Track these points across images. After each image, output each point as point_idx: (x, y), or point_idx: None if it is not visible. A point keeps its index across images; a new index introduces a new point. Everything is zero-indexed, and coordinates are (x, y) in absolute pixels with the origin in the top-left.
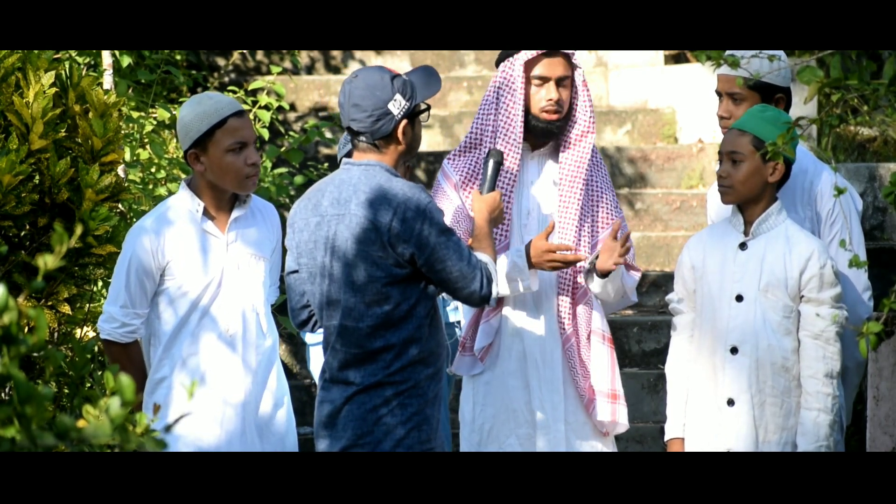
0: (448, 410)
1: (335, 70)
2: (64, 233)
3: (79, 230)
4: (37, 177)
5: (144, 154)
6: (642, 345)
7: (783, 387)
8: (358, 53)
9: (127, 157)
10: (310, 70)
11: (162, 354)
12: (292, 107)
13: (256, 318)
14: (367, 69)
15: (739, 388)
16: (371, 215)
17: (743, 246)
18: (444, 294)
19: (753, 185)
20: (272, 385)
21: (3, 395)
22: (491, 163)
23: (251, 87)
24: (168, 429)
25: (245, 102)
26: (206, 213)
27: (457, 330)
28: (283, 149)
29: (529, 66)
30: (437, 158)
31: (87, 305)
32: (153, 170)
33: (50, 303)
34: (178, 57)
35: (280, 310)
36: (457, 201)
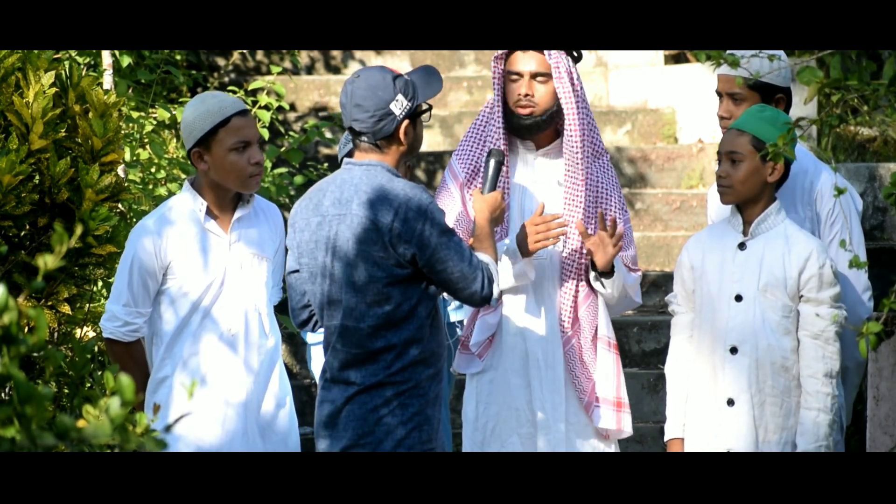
0: (448, 410)
1: (335, 70)
2: (64, 233)
3: (79, 230)
4: (37, 177)
5: (144, 154)
6: (642, 345)
7: (783, 386)
8: (358, 53)
9: (127, 157)
10: (310, 70)
11: (164, 354)
12: (292, 107)
13: (259, 318)
14: (368, 69)
15: (739, 388)
16: (372, 215)
17: (742, 246)
18: (444, 294)
19: (753, 185)
20: (274, 385)
21: (3, 395)
22: (492, 162)
23: (251, 87)
24: (168, 429)
25: (245, 102)
26: (209, 212)
27: (458, 330)
28: (283, 149)
29: (508, 62)
30: (436, 158)
31: (87, 305)
32: (153, 170)
33: (50, 303)
34: (178, 57)
35: (280, 309)
36: (459, 206)
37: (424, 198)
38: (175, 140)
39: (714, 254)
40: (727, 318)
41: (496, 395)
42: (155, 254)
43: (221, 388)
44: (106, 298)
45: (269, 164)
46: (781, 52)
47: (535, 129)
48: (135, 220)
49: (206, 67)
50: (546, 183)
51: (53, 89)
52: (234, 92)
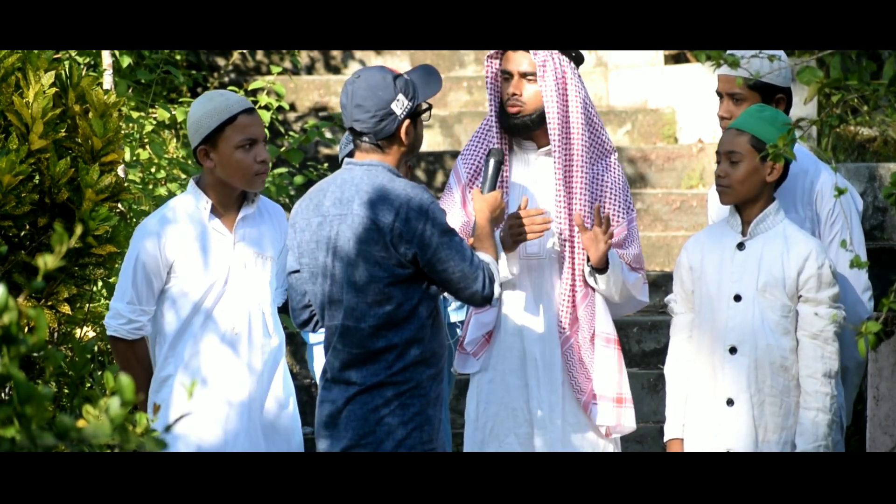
0: (448, 411)
1: (335, 70)
2: (64, 233)
3: (79, 230)
4: (37, 177)
5: (144, 154)
6: (642, 345)
7: (782, 386)
8: (358, 53)
9: (127, 157)
10: (310, 70)
11: (167, 353)
12: (292, 107)
13: (262, 318)
14: (368, 69)
15: (739, 388)
16: (373, 215)
17: (741, 246)
18: (444, 294)
19: (752, 185)
20: (278, 385)
21: (3, 395)
22: (491, 162)
23: (251, 87)
24: (168, 429)
25: None
26: (213, 211)
27: (458, 330)
28: (283, 149)
29: (502, 61)
30: (436, 158)
31: (87, 305)
32: (153, 170)
33: (50, 303)
34: (178, 57)
35: (281, 309)
36: (460, 209)
37: (425, 198)
38: (175, 140)
39: (713, 254)
40: (726, 319)
41: (495, 395)
42: (159, 251)
43: (224, 387)
44: (106, 298)
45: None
46: (781, 53)
47: (524, 128)
48: (135, 220)
49: (206, 67)
50: (545, 182)
51: (53, 89)
52: (234, 92)
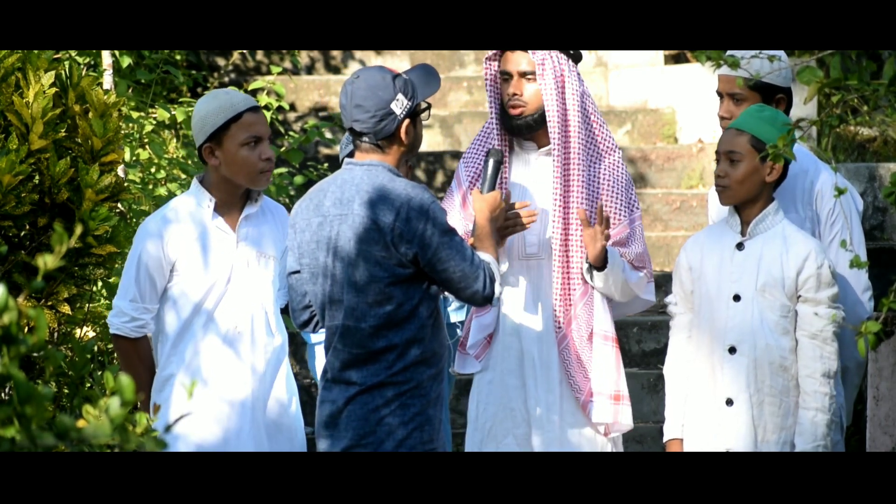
0: (448, 411)
1: (335, 70)
2: (64, 233)
3: (79, 230)
4: (37, 177)
5: (144, 154)
6: (642, 345)
7: (781, 386)
8: (358, 53)
9: (127, 157)
10: (310, 70)
11: (170, 351)
12: (292, 107)
13: (265, 317)
14: (367, 69)
15: (738, 388)
16: (374, 215)
17: (740, 246)
18: (444, 294)
19: (751, 186)
20: (281, 385)
21: (3, 395)
22: (491, 162)
23: (251, 87)
24: (168, 429)
25: None
26: (217, 209)
27: (458, 331)
28: (283, 149)
29: (501, 62)
30: (436, 158)
31: (87, 305)
32: (153, 170)
33: (50, 303)
34: (178, 57)
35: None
36: (460, 213)
37: (426, 197)
38: (175, 140)
39: (712, 254)
40: (726, 318)
41: (493, 395)
42: (162, 250)
43: (227, 386)
44: (106, 298)
45: None
46: (782, 53)
47: (527, 128)
48: (135, 220)
49: (206, 67)
50: (545, 182)
51: (53, 89)
52: None
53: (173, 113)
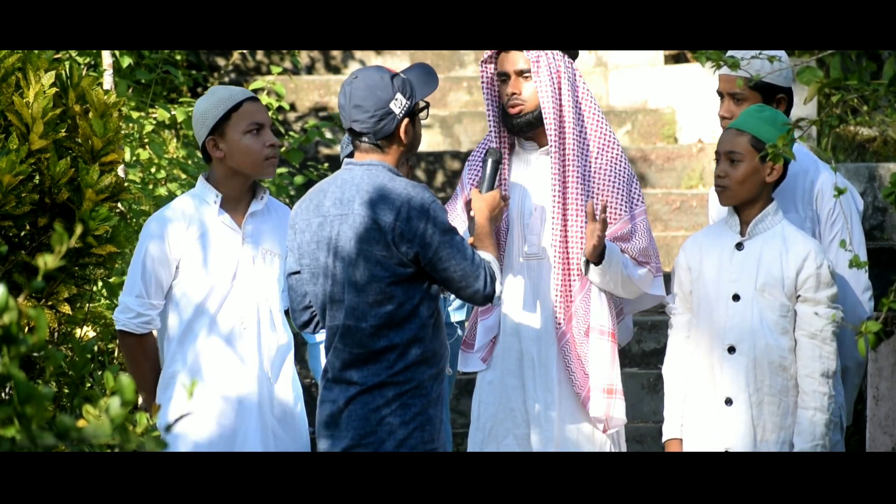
0: (449, 410)
1: (335, 70)
2: (64, 233)
3: (79, 230)
4: (37, 177)
5: (144, 154)
6: (642, 345)
7: (781, 386)
8: (358, 53)
9: (127, 157)
10: (310, 70)
11: (175, 349)
12: (292, 107)
13: (270, 314)
14: (365, 69)
15: (737, 388)
16: (374, 215)
17: (739, 246)
18: (444, 294)
19: (752, 186)
20: (287, 383)
21: (3, 395)
22: (489, 162)
23: (251, 87)
24: (169, 428)
25: None
26: (223, 206)
27: (458, 330)
28: (283, 149)
29: (498, 64)
30: (436, 158)
31: (87, 305)
32: (153, 170)
33: (50, 303)
34: (178, 57)
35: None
36: (464, 223)
37: (426, 197)
38: (175, 140)
39: (712, 254)
40: (725, 318)
41: (494, 395)
42: (168, 246)
43: (233, 384)
44: (106, 298)
45: None
46: (782, 53)
47: (527, 126)
48: (135, 220)
49: (206, 67)
50: (545, 181)
51: (53, 89)
52: None
53: (173, 113)
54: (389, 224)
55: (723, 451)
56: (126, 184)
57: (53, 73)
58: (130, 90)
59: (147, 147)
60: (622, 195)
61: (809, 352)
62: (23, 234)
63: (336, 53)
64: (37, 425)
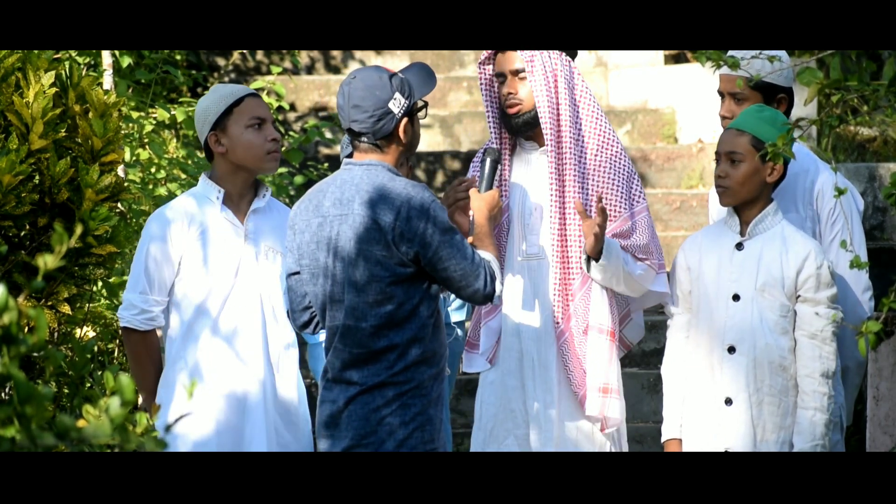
0: (449, 410)
1: (335, 70)
2: (64, 233)
3: (79, 230)
4: (37, 177)
5: (144, 154)
6: (642, 345)
7: (781, 386)
8: (358, 53)
9: (127, 157)
10: (310, 70)
11: (178, 347)
12: (292, 107)
13: (274, 312)
14: (364, 70)
15: (737, 388)
16: (374, 215)
17: (739, 246)
18: (444, 294)
19: (752, 186)
20: (290, 382)
21: (3, 395)
22: (488, 161)
23: (251, 87)
24: (169, 428)
25: None
26: (225, 202)
27: (458, 330)
28: (283, 149)
29: (495, 65)
30: (436, 158)
31: (87, 305)
32: (153, 170)
33: (50, 303)
34: (178, 57)
35: None
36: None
37: (426, 196)
38: (175, 140)
39: (711, 254)
40: (725, 318)
41: (494, 396)
42: (170, 243)
43: (237, 382)
44: (106, 298)
45: None
46: (783, 53)
47: (525, 126)
48: (135, 220)
49: (206, 67)
50: (546, 181)
51: (53, 89)
52: None
53: (173, 113)
54: (389, 224)
55: (723, 451)
56: (126, 184)
57: (53, 73)
58: (130, 90)
59: (147, 147)
60: (622, 193)
61: (809, 352)
62: (23, 234)
63: (336, 53)
64: (37, 425)
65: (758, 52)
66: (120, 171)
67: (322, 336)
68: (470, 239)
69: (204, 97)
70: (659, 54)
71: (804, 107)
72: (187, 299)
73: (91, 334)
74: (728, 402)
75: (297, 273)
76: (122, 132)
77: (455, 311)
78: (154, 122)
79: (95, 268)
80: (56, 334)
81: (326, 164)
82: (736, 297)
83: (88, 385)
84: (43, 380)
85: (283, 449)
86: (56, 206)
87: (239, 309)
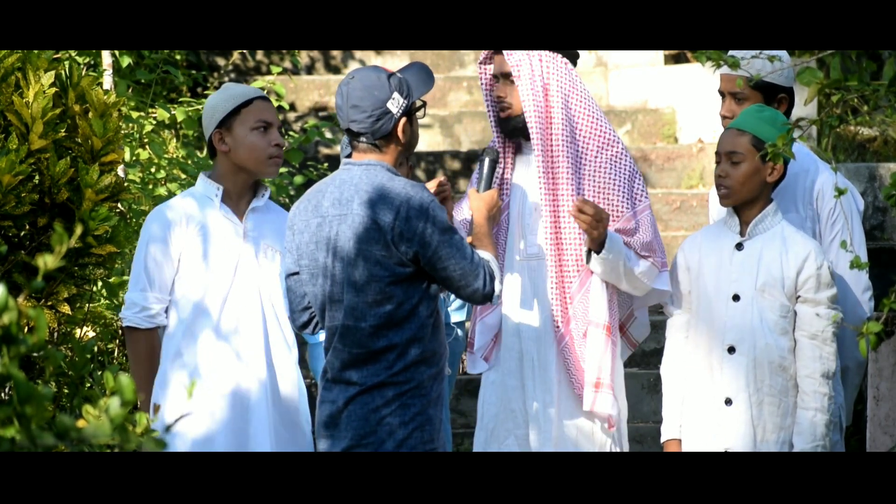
0: (448, 410)
1: (335, 70)
2: (64, 233)
3: (79, 230)
4: (37, 177)
5: (144, 154)
6: (642, 345)
7: (781, 386)
8: (358, 53)
9: (127, 157)
10: (310, 70)
11: (178, 347)
12: (292, 107)
13: (273, 311)
14: (362, 70)
15: (737, 388)
16: (374, 214)
17: (739, 246)
18: (444, 294)
19: (753, 186)
20: (291, 381)
21: (3, 395)
22: (486, 161)
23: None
24: (169, 428)
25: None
26: (224, 200)
27: (458, 331)
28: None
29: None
30: (436, 158)
31: (87, 305)
32: (153, 170)
33: (50, 303)
34: (178, 57)
35: None
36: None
37: (425, 196)
38: (175, 140)
39: (711, 254)
40: (725, 318)
41: (495, 396)
42: (171, 240)
43: (239, 381)
44: (106, 298)
45: None
46: (783, 53)
47: (517, 131)
48: (135, 220)
49: (206, 67)
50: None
51: (53, 89)
52: None
53: (173, 113)
54: (389, 223)
55: (722, 451)
56: (126, 184)
57: (53, 73)
58: (130, 90)
59: (147, 147)
60: (624, 192)
61: (810, 352)
62: (23, 234)
63: (336, 53)
64: (37, 425)
65: (758, 51)
66: (120, 171)
67: (322, 336)
68: (469, 239)
69: (214, 94)
70: (659, 54)
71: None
72: (186, 298)
73: (91, 334)
74: (728, 402)
75: (297, 273)
76: (122, 132)
77: (455, 311)
78: (154, 122)
79: (95, 268)
80: (56, 334)
81: (326, 164)
82: (736, 298)
83: (88, 385)
84: (43, 380)
85: (283, 449)
86: (56, 206)
87: (239, 308)
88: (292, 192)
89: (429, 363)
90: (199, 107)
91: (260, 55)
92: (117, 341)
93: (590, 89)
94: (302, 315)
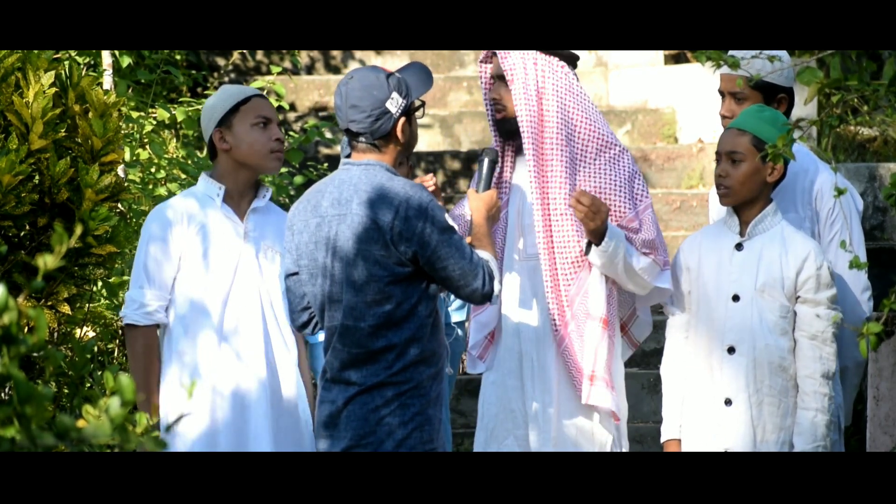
0: (448, 410)
1: (335, 70)
2: (64, 233)
3: (79, 230)
4: (37, 177)
5: (144, 154)
6: (642, 345)
7: (781, 386)
8: (358, 53)
9: (127, 157)
10: (310, 70)
11: (176, 344)
12: (292, 107)
13: (273, 311)
14: (361, 70)
15: (737, 388)
16: (373, 214)
17: (739, 247)
18: (442, 294)
19: (753, 186)
20: (291, 381)
21: (3, 395)
22: (486, 161)
23: (251, 87)
24: (169, 428)
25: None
26: (225, 199)
27: (458, 331)
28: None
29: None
30: (436, 158)
31: (87, 305)
32: (153, 170)
33: (50, 303)
34: (178, 57)
35: None
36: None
37: (424, 196)
38: (175, 140)
39: (711, 255)
40: (724, 318)
41: (495, 396)
42: (170, 239)
43: (240, 381)
44: (106, 298)
45: None
46: (783, 52)
47: (514, 132)
48: (135, 220)
49: (206, 67)
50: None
51: (53, 89)
52: None
53: (173, 113)
54: (388, 223)
55: (722, 451)
56: (126, 184)
57: (53, 73)
58: (130, 90)
59: (147, 147)
60: (625, 193)
61: (810, 353)
62: (23, 234)
63: (336, 53)
64: (37, 425)
65: (758, 51)
66: (120, 171)
67: (321, 336)
68: (468, 238)
69: (212, 96)
70: (659, 54)
71: (804, 107)
72: (186, 297)
73: (91, 334)
74: (728, 402)
75: (296, 273)
76: (122, 132)
77: (455, 311)
78: (154, 122)
79: (95, 268)
80: (56, 334)
81: (326, 164)
82: (735, 298)
83: (88, 385)
84: (43, 380)
85: (283, 449)
86: (56, 206)
87: (239, 308)
88: (292, 192)
89: (428, 363)
90: (199, 107)
91: (260, 55)
92: (117, 341)
93: (590, 89)
94: (301, 315)
